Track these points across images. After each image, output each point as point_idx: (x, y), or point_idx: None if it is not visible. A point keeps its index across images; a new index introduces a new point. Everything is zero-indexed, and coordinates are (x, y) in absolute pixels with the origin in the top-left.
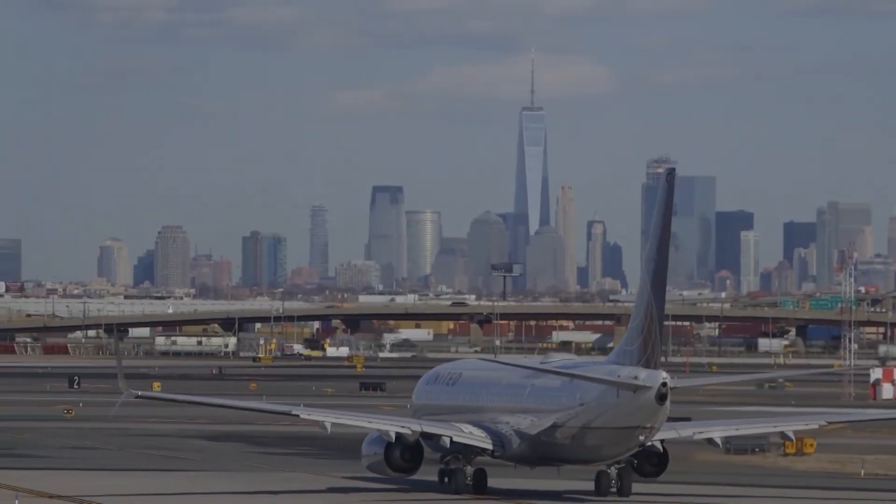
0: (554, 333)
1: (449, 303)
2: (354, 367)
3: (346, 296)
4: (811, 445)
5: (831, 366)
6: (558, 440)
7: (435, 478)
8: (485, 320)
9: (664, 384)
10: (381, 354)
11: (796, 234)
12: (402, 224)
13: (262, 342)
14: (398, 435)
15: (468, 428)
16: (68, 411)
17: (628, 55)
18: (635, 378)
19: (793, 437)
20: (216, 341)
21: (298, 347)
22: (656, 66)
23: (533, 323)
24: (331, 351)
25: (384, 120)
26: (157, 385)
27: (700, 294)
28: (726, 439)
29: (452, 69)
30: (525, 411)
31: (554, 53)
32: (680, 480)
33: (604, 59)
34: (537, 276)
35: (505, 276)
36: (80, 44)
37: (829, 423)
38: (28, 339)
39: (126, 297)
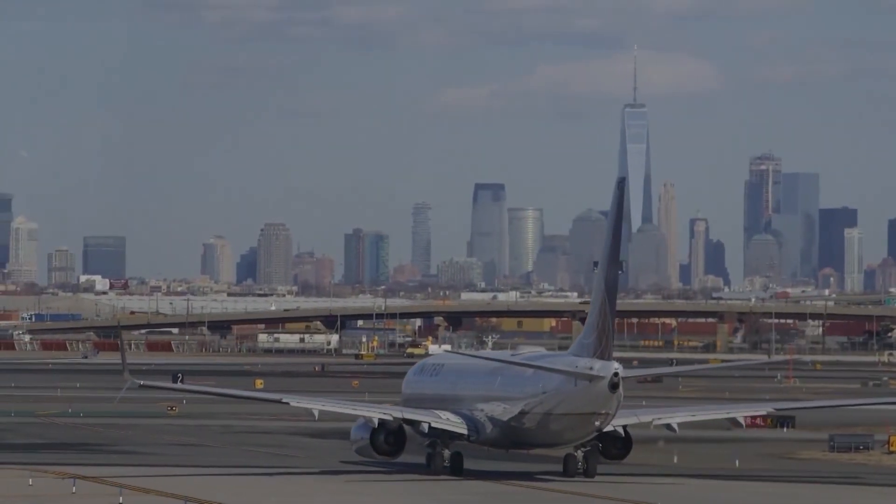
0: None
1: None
2: None
3: (448, 293)
4: None
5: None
6: (526, 425)
7: (423, 460)
8: (586, 317)
9: (616, 374)
10: None
11: None
12: (505, 221)
13: (364, 339)
14: (381, 421)
15: (445, 415)
16: (172, 408)
17: (732, 52)
18: (590, 368)
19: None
20: (319, 338)
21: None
22: (759, 64)
23: (635, 320)
24: (432, 349)
25: (487, 117)
26: (259, 382)
27: (803, 292)
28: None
29: (556, 67)
30: (497, 399)
31: (657, 51)
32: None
33: (707, 56)
34: (639, 273)
35: None
36: (186, 43)
37: (777, 409)
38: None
39: (229, 294)
